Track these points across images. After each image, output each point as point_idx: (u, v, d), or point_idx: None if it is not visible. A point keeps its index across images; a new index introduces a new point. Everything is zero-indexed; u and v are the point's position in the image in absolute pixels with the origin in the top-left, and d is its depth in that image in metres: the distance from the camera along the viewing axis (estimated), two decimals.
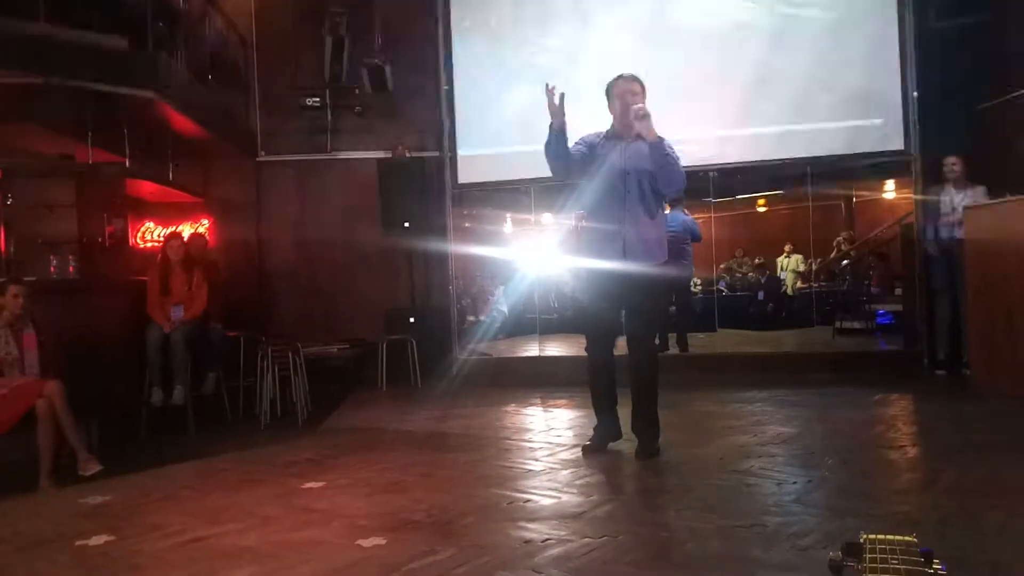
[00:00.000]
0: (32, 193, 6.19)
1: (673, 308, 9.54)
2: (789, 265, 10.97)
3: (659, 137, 3.73)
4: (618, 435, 4.00)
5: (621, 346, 3.99)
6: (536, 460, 3.90)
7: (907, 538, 0.98)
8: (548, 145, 3.81)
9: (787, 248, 11.11)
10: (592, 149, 3.92)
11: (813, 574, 2.22)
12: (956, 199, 6.13)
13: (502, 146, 7.41)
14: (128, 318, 5.59)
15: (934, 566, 0.94)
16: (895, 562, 0.92)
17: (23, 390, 4.04)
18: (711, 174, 7.64)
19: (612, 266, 3.77)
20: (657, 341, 7.72)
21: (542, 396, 6.08)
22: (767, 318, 9.95)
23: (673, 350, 7.57)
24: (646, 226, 3.82)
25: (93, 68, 5.36)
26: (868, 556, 0.95)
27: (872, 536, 0.99)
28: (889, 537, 0.98)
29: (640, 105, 3.76)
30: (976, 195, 6.08)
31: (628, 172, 3.80)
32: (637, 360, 3.88)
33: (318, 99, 7.89)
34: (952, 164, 6.21)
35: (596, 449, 3.95)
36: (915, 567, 0.91)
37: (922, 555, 0.95)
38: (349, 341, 7.01)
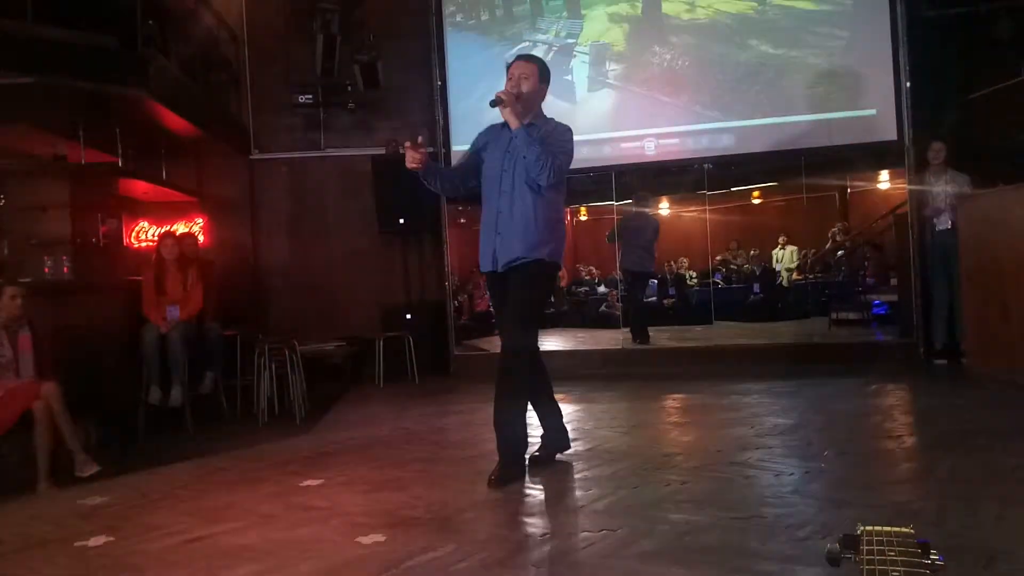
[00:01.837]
0: (25, 194, 6.16)
1: (672, 300, 9.62)
2: (784, 259, 10.98)
3: (524, 123, 3.34)
4: (564, 443, 3.73)
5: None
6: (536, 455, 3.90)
7: (904, 529, 0.99)
8: (426, 183, 3.55)
9: (781, 240, 11.12)
10: (479, 149, 3.60)
11: (811, 565, 2.23)
12: (938, 185, 6.17)
13: None
14: (124, 318, 5.58)
15: (931, 557, 0.94)
16: (892, 554, 0.92)
17: (20, 392, 4.03)
18: (705, 166, 7.66)
19: (488, 268, 3.50)
20: (636, 339, 7.93)
21: (537, 391, 6.07)
22: (763, 310, 9.97)
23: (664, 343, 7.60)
24: (521, 225, 3.38)
25: (83, 67, 5.33)
26: (866, 548, 0.95)
27: (869, 528, 1.00)
28: (886, 529, 0.99)
29: (500, 91, 3.34)
30: (958, 182, 6.11)
31: (505, 168, 3.43)
32: (503, 358, 3.47)
33: (311, 96, 7.86)
34: (937, 150, 6.24)
35: (541, 462, 3.64)
36: (912, 558, 0.92)
37: (919, 546, 0.95)
38: (346, 338, 7.01)
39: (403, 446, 4.39)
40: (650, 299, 8.53)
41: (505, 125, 3.42)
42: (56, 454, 4.02)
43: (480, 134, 3.66)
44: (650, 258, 8.35)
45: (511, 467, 3.40)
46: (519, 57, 3.52)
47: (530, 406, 3.60)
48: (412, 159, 3.33)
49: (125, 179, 6.82)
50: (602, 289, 11.12)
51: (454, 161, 7.57)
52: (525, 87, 3.39)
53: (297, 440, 4.80)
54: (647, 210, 8.56)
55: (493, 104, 3.31)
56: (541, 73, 3.47)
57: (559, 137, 3.42)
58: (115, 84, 5.50)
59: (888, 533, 0.98)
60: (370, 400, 6.32)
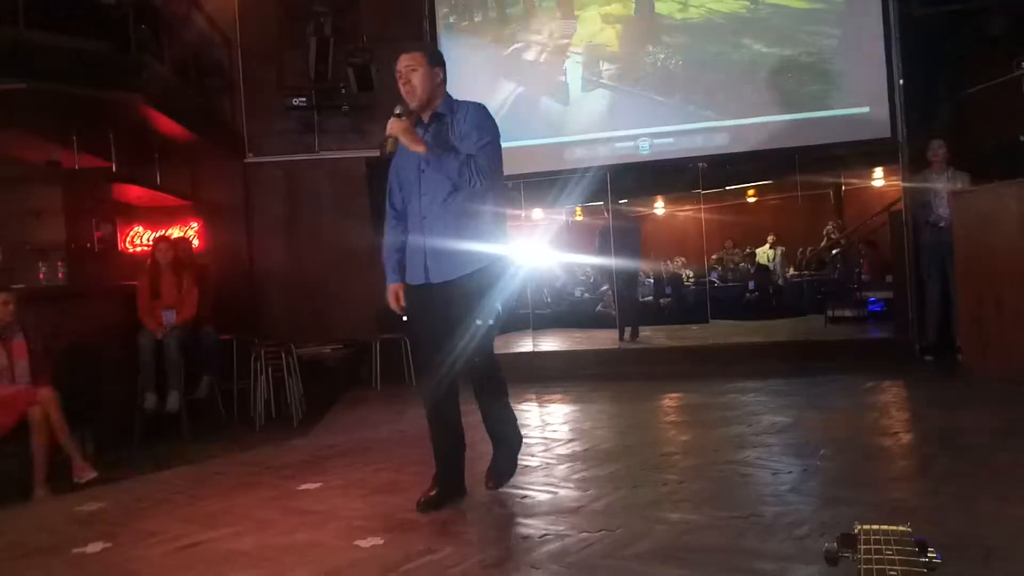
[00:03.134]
0: (19, 199, 6.15)
1: (668, 299, 9.67)
2: (775, 257, 11.01)
3: (428, 128, 3.06)
4: (459, 490, 3.23)
5: None
6: (532, 456, 3.90)
7: (901, 528, 0.99)
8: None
9: (770, 239, 11.15)
10: (397, 158, 3.20)
11: (810, 563, 2.24)
12: (940, 183, 6.18)
13: None
14: (119, 323, 5.56)
15: (928, 555, 0.94)
16: (890, 553, 0.92)
17: (16, 398, 4.02)
18: (700, 165, 7.67)
19: (419, 282, 3.13)
20: (628, 335, 8.00)
21: (536, 392, 6.08)
22: (759, 308, 9.99)
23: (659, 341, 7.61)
24: (453, 230, 3.03)
25: (77, 72, 5.32)
26: (863, 547, 0.95)
27: (867, 527, 1.00)
28: (884, 527, 0.99)
29: (391, 118, 2.99)
30: (958, 180, 6.12)
31: (422, 168, 3.06)
32: (475, 383, 3.24)
33: (304, 99, 7.85)
34: (937, 148, 6.25)
35: (433, 506, 3.08)
36: (910, 557, 0.92)
37: (916, 545, 0.96)
38: (342, 341, 7.00)
39: (400, 449, 4.38)
40: (646, 298, 8.56)
41: (416, 122, 3.08)
42: (53, 460, 4.01)
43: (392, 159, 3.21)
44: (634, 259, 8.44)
45: (511, 463, 3.35)
46: (400, 51, 3.12)
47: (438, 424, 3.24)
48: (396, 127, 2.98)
49: (119, 184, 6.80)
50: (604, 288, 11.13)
51: None
52: (415, 79, 3.02)
53: (294, 444, 4.79)
54: (627, 216, 8.64)
55: (398, 115, 2.99)
56: (429, 58, 3.09)
57: (477, 124, 3.04)
58: (108, 89, 5.49)
59: (885, 532, 0.98)
60: (367, 403, 6.32)
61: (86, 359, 5.05)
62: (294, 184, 8.13)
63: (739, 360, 6.99)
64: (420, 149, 2.95)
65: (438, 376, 3.13)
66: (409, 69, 3.04)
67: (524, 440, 3.49)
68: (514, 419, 3.38)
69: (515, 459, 3.36)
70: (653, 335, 8.13)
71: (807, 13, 7.03)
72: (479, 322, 3.05)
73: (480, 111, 3.12)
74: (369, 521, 2.96)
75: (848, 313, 8.98)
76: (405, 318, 3.23)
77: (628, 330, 8.12)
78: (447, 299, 3.06)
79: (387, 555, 2.57)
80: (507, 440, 3.35)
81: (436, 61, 3.12)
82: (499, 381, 3.30)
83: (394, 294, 3.24)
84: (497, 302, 3.11)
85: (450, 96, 3.17)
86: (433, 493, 3.11)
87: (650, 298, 10.15)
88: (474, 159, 2.96)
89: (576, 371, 6.92)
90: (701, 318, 8.77)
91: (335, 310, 7.86)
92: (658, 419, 5.06)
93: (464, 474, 3.26)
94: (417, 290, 3.15)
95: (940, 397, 5.06)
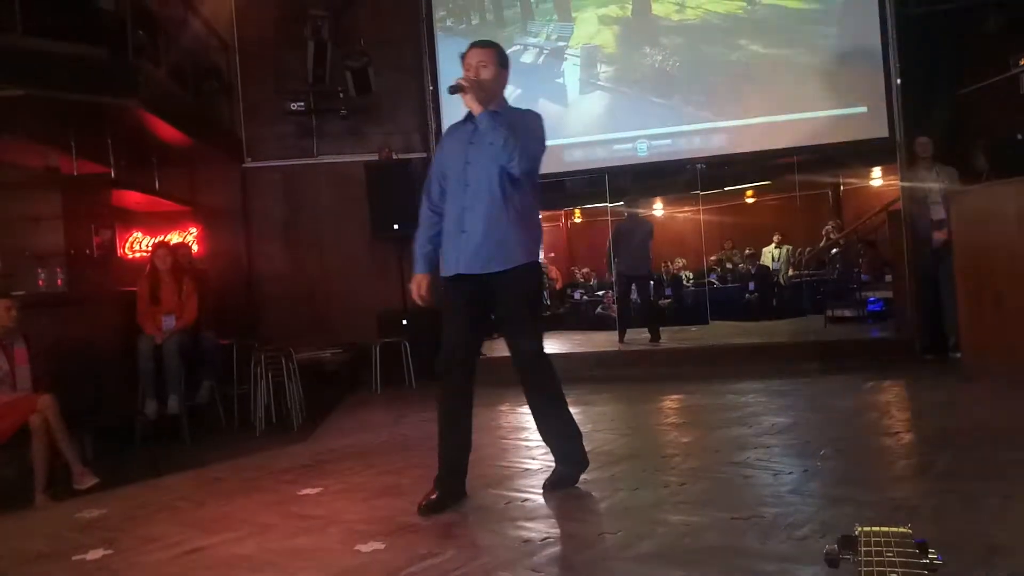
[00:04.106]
0: (17, 206, 6.14)
1: (668, 300, 9.67)
2: (780, 257, 11.01)
3: (484, 113, 3.07)
4: (459, 491, 3.21)
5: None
6: (533, 459, 3.90)
7: (902, 529, 0.99)
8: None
9: (776, 238, 11.15)
10: (441, 153, 3.38)
11: (811, 564, 2.23)
12: (929, 180, 6.19)
13: None
14: (119, 329, 5.56)
15: (929, 556, 0.94)
16: (890, 554, 0.92)
17: (16, 405, 4.02)
18: (699, 166, 7.69)
19: (456, 273, 3.17)
20: (651, 336, 7.98)
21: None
22: (759, 309, 10.00)
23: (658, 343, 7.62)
24: (492, 225, 3.10)
25: (74, 79, 5.31)
26: (863, 549, 0.95)
27: (867, 528, 1.00)
28: (884, 529, 0.99)
29: (459, 78, 3.12)
30: (946, 176, 6.13)
31: (469, 161, 3.16)
32: (524, 375, 3.28)
33: (302, 103, 7.86)
34: (923, 144, 6.26)
35: (434, 509, 3.07)
36: (910, 558, 0.92)
37: (917, 546, 0.95)
38: (342, 345, 7.00)
39: (401, 452, 4.38)
40: (638, 301, 8.58)
41: (466, 118, 3.21)
42: (53, 467, 4.00)
43: (440, 144, 3.37)
44: (645, 260, 8.36)
45: (578, 459, 3.34)
46: (473, 45, 3.25)
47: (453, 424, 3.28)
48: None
49: (118, 189, 6.80)
50: (600, 293, 11.14)
51: None
52: (484, 74, 3.15)
53: (294, 448, 4.79)
54: (639, 212, 8.58)
55: (452, 91, 3.07)
56: (499, 58, 3.22)
57: (529, 123, 3.18)
58: (106, 95, 5.49)
59: (886, 533, 0.98)
60: (367, 407, 6.31)
61: (86, 365, 5.05)
62: (293, 188, 8.13)
63: (739, 361, 6.99)
64: (477, 109, 3.04)
65: (457, 371, 3.20)
66: (480, 64, 3.15)
67: (525, 443, 3.48)
68: (574, 432, 3.33)
69: (574, 472, 3.31)
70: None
71: (804, 13, 7.04)
72: (521, 316, 3.17)
73: (538, 118, 3.24)
74: (370, 525, 2.96)
75: (848, 313, 8.98)
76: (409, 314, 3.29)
77: (625, 332, 8.08)
78: (485, 292, 3.14)
79: (388, 559, 2.57)
80: (564, 456, 3.31)
81: (504, 64, 3.25)
82: (552, 380, 3.27)
83: (418, 284, 3.30)
84: (537, 298, 3.27)
85: (507, 102, 3.29)
86: (435, 496, 3.11)
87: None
88: (520, 140, 3.04)
89: (576, 373, 6.91)
90: (701, 319, 8.78)
91: (335, 314, 7.86)
92: (658, 421, 5.06)
93: (466, 477, 3.25)
94: (452, 281, 3.19)
95: (940, 396, 5.06)
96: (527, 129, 3.14)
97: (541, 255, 3.35)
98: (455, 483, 3.20)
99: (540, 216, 3.42)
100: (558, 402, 3.30)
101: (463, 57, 3.21)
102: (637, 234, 8.26)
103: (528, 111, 3.27)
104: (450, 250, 3.20)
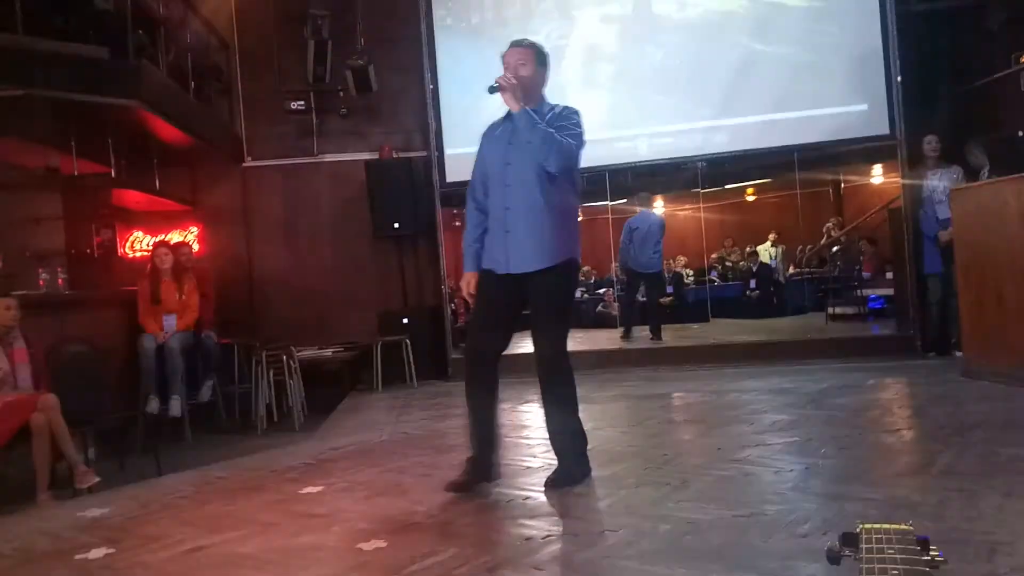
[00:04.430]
0: (18, 206, 6.16)
1: (670, 299, 9.65)
2: (777, 256, 11.01)
3: (523, 110, 3.13)
4: (486, 474, 3.33)
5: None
6: (534, 457, 3.90)
7: (903, 526, 0.99)
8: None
9: (771, 237, 11.15)
10: (481, 154, 3.43)
11: (813, 562, 2.23)
12: (935, 179, 6.18)
13: None
14: (120, 328, 5.58)
15: (931, 553, 0.94)
16: (892, 551, 0.92)
17: (17, 405, 4.02)
18: (699, 164, 7.69)
19: (497, 270, 3.25)
20: (652, 335, 7.96)
21: (537, 393, 6.06)
22: (760, 306, 10.00)
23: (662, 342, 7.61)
24: (533, 223, 3.18)
25: (74, 78, 5.32)
26: (865, 546, 0.95)
27: (869, 526, 1.00)
28: (885, 526, 0.99)
29: (499, 76, 3.17)
30: (952, 174, 6.13)
31: (508, 161, 3.23)
32: (545, 377, 3.37)
33: (303, 102, 7.87)
34: (932, 143, 6.25)
35: (464, 488, 3.25)
36: (912, 555, 0.92)
37: (919, 543, 0.96)
38: (343, 344, 7.01)
39: (403, 451, 4.38)
40: (643, 299, 8.55)
41: (505, 118, 3.29)
42: (55, 466, 4.01)
43: (481, 139, 3.47)
44: (658, 256, 8.32)
45: (580, 464, 3.38)
46: (512, 44, 3.33)
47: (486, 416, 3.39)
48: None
49: (118, 189, 6.82)
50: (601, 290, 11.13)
51: (448, 164, 7.58)
52: (523, 72, 3.23)
53: (296, 447, 4.79)
54: (649, 209, 8.48)
55: (492, 90, 3.15)
56: (538, 57, 3.30)
57: (566, 119, 3.23)
58: (106, 95, 5.49)
59: (887, 530, 0.98)
60: (369, 405, 6.31)
61: (87, 365, 5.06)
62: (293, 188, 8.13)
63: (740, 359, 6.99)
64: (516, 107, 3.12)
65: (486, 365, 3.32)
66: (519, 63, 3.23)
67: (526, 441, 3.49)
68: (580, 437, 3.41)
69: (574, 472, 3.35)
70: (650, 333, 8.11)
71: (805, 11, 7.03)
72: (549, 316, 3.27)
73: (576, 113, 3.28)
74: (372, 524, 2.96)
75: (849, 310, 8.98)
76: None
77: (632, 330, 8.04)
78: (523, 289, 3.24)
79: (390, 558, 2.57)
80: (564, 452, 3.37)
81: (543, 63, 3.32)
82: (568, 385, 3.37)
83: (467, 282, 3.40)
84: (569, 299, 3.40)
85: (546, 99, 3.34)
86: (463, 477, 3.26)
87: (644, 299, 10.12)
88: (558, 135, 3.11)
89: (577, 371, 6.89)
90: (702, 317, 8.77)
91: (336, 313, 7.87)
92: (660, 418, 5.06)
93: (496, 461, 3.38)
94: (496, 276, 3.27)
95: (942, 393, 5.06)
96: (565, 126, 3.18)
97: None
98: (485, 465, 3.33)
99: (578, 210, 3.50)
100: (571, 405, 3.37)
101: (503, 57, 3.29)
102: (651, 229, 8.15)
103: (567, 107, 3.30)
104: (497, 249, 3.26)
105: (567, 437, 3.38)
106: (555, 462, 3.40)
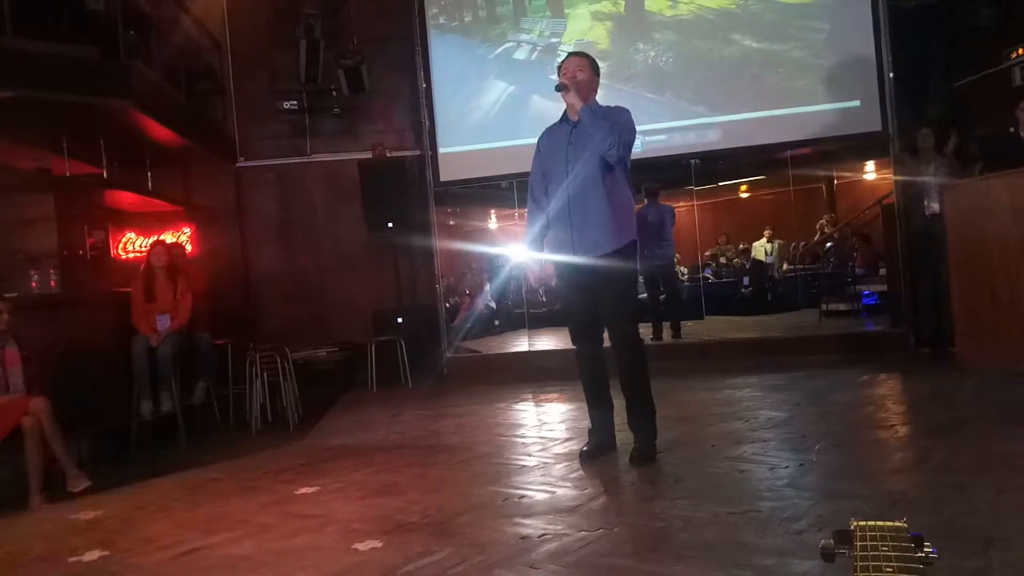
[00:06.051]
0: (10, 208, 6.11)
1: (663, 296, 9.62)
2: (773, 251, 11.01)
3: (585, 107, 3.52)
4: (609, 442, 3.76)
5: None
6: (529, 456, 3.90)
7: (897, 523, 0.99)
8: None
9: (767, 232, 11.16)
10: (540, 155, 3.79)
11: (808, 558, 2.24)
12: (927, 173, 6.20)
13: (482, 142, 7.42)
14: (113, 330, 5.55)
15: (925, 550, 0.94)
16: (886, 548, 0.92)
17: (9, 407, 4.01)
18: (692, 161, 7.68)
19: (568, 258, 3.61)
20: (669, 334, 7.88)
21: (533, 391, 6.09)
22: (754, 303, 10.01)
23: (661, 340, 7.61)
24: (595, 212, 3.54)
25: (65, 79, 5.29)
26: (859, 543, 0.95)
27: (862, 523, 1.00)
28: (879, 523, 0.99)
29: (562, 78, 3.59)
30: (945, 169, 6.14)
31: (570, 159, 3.58)
32: (618, 353, 3.68)
33: (295, 102, 7.85)
34: (926, 136, 6.26)
35: (590, 456, 3.68)
36: (905, 552, 0.92)
37: (912, 540, 0.96)
38: (337, 344, 6.99)
39: (398, 451, 4.38)
40: (642, 296, 8.51)
41: (561, 121, 3.68)
42: (48, 470, 3.99)
43: (538, 142, 3.80)
44: (671, 248, 8.19)
45: (653, 441, 3.63)
46: (570, 55, 3.75)
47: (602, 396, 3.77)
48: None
49: (111, 190, 6.78)
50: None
51: (441, 163, 7.57)
52: (581, 77, 3.59)
53: (291, 448, 4.78)
54: (660, 201, 8.29)
55: (558, 88, 3.54)
56: (592, 66, 3.69)
57: (619, 116, 3.56)
58: (98, 95, 5.47)
59: (881, 527, 0.98)
60: (363, 405, 6.31)
61: (80, 367, 5.04)
62: (287, 187, 8.12)
63: (734, 355, 7.00)
64: (579, 104, 3.50)
65: (586, 342, 3.72)
66: (577, 68, 3.62)
67: (522, 440, 3.49)
68: (653, 413, 3.65)
69: (652, 445, 3.61)
70: (645, 332, 8.07)
71: (797, 7, 7.04)
72: (624, 299, 3.62)
73: (627, 112, 3.60)
74: (367, 524, 2.95)
75: (842, 307, 8.99)
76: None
77: (667, 326, 7.95)
78: (591, 273, 3.55)
79: (386, 558, 2.57)
80: (644, 434, 3.60)
81: (596, 71, 3.73)
82: (642, 359, 3.68)
83: (534, 274, 4.04)
84: (633, 281, 3.74)
85: (598, 102, 3.66)
86: (588, 446, 3.69)
87: (644, 296, 10.10)
88: (619, 133, 3.45)
89: (572, 370, 6.90)
90: (696, 314, 8.77)
91: (330, 313, 7.86)
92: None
93: (614, 430, 3.76)
94: (565, 264, 3.63)
95: (936, 389, 5.08)
96: (618, 121, 3.53)
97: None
98: (606, 434, 3.75)
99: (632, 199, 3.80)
100: (646, 384, 3.66)
101: (559, 67, 3.71)
102: (663, 221, 7.91)
103: (618, 107, 3.63)
104: (564, 241, 3.61)
105: (644, 417, 3.62)
106: (551, 459, 3.41)
